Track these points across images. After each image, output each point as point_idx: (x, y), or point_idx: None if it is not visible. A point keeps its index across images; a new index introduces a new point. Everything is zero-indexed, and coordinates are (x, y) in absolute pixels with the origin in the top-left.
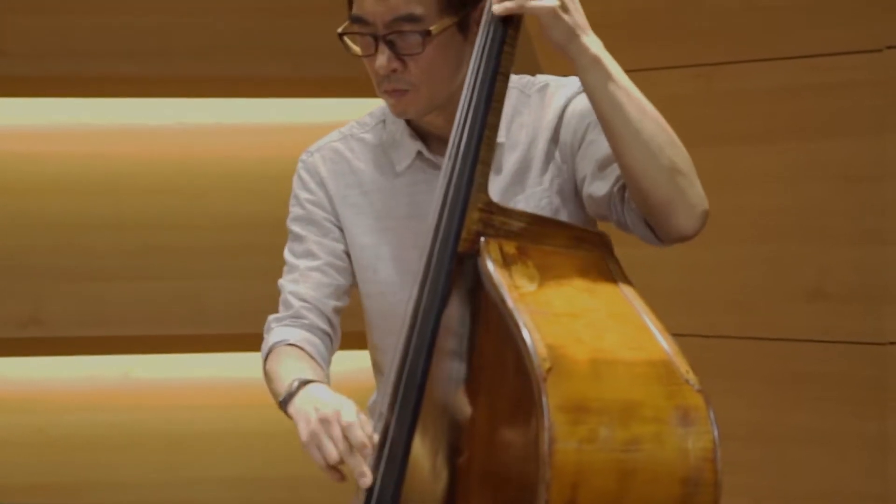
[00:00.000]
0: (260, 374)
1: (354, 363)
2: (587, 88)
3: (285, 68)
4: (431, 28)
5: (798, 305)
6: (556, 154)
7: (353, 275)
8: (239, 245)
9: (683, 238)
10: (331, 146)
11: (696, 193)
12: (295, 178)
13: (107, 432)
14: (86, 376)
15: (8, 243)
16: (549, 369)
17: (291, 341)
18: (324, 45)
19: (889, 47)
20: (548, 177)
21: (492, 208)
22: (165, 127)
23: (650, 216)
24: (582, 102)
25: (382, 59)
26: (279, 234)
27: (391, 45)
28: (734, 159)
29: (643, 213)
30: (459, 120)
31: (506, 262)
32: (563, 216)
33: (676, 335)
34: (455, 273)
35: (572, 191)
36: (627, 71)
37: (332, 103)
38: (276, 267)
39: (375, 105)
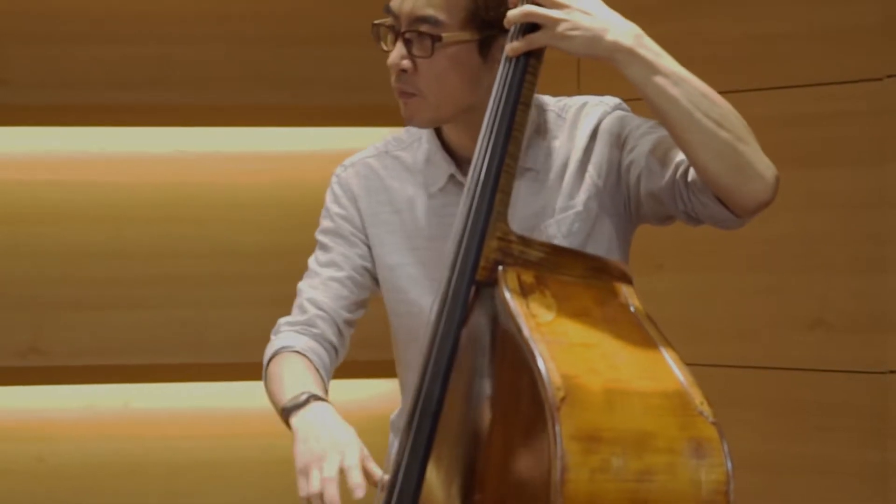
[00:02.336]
0: (260, 403)
1: (371, 391)
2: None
3: (284, 97)
4: (444, 35)
5: (799, 334)
6: (591, 172)
7: (370, 290)
8: (238, 274)
9: (762, 206)
10: (365, 162)
11: (763, 159)
12: (328, 191)
13: (106, 461)
14: (85, 405)
15: (7, 272)
16: (563, 398)
17: (298, 349)
18: (322, 75)
19: (890, 76)
20: (580, 198)
21: (510, 237)
22: (165, 156)
23: (724, 193)
24: (614, 119)
25: (395, 54)
26: (279, 263)
27: (407, 43)
28: None
29: (715, 190)
30: (480, 148)
31: (523, 292)
32: (601, 235)
33: None
34: (473, 301)
35: (616, 206)
36: (631, 100)
37: (331, 132)
38: (277, 296)
39: (374, 134)
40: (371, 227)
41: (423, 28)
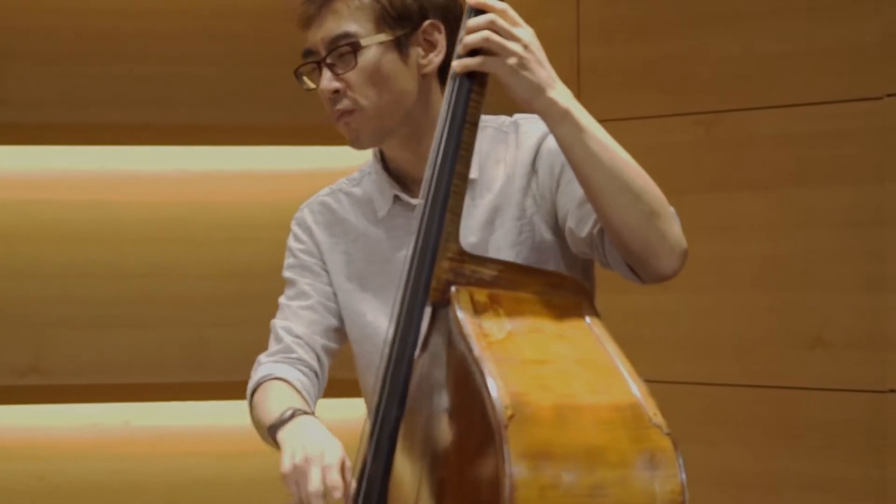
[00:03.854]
0: None
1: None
2: (559, 141)
3: (284, 116)
4: (361, 41)
5: (799, 353)
6: (535, 189)
7: (342, 319)
8: (238, 293)
9: (664, 278)
10: (319, 200)
11: (674, 235)
12: (289, 235)
13: (107, 480)
14: (86, 424)
15: (8, 291)
16: (511, 416)
17: (279, 375)
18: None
19: (889, 95)
20: (529, 211)
21: (463, 257)
22: (165, 175)
23: (631, 259)
24: (553, 143)
25: (325, 80)
26: (279, 282)
27: (331, 67)
28: (735, 206)
29: (623, 256)
30: (429, 170)
31: (476, 311)
32: (545, 247)
33: (678, 383)
34: (431, 322)
35: (554, 225)
36: (631, 119)
37: (332, 151)
38: (275, 314)
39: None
40: (329, 256)
41: (342, 44)
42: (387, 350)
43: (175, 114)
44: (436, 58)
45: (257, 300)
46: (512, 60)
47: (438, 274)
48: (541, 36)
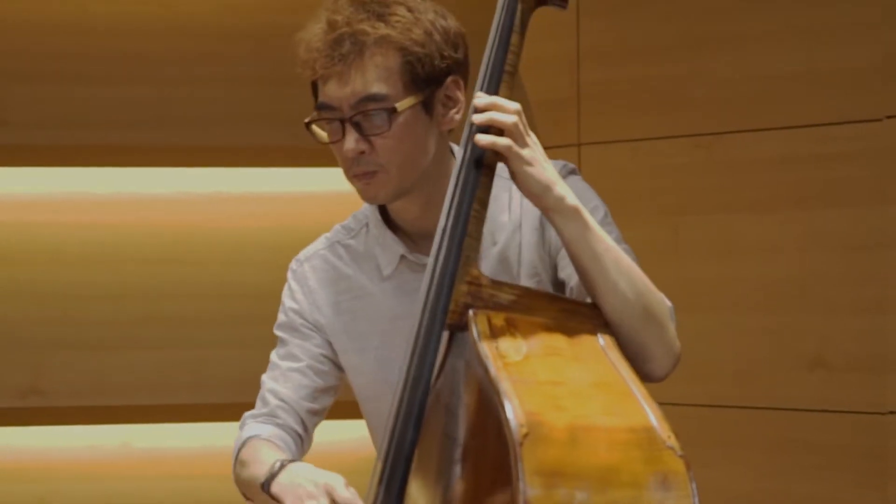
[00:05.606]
0: None
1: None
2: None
3: (284, 137)
4: (397, 105)
5: (799, 375)
6: (543, 242)
7: (334, 378)
8: (238, 315)
9: (655, 380)
10: (319, 254)
11: (669, 340)
12: (285, 287)
13: (107, 501)
14: (86, 446)
15: (8, 313)
16: (526, 435)
17: (264, 437)
18: None
19: (889, 117)
20: (538, 267)
21: (481, 281)
22: (165, 196)
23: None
24: None
25: (350, 141)
26: (279, 304)
27: (357, 126)
28: (734, 229)
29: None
30: (449, 193)
31: (493, 334)
32: None
33: (678, 405)
34: (448, 345)
35: (554, 277)
36: (630, 140)
37: (331, 173)
38: (276, 336)
39: None
40: (334, 316)
41: (371, 106)
42: (403, 373)
43: (175, 135)
44: (457, 115)
45: (257, 322)
46: (527, 152)
47: (456, 297)
48: (541, 58)
